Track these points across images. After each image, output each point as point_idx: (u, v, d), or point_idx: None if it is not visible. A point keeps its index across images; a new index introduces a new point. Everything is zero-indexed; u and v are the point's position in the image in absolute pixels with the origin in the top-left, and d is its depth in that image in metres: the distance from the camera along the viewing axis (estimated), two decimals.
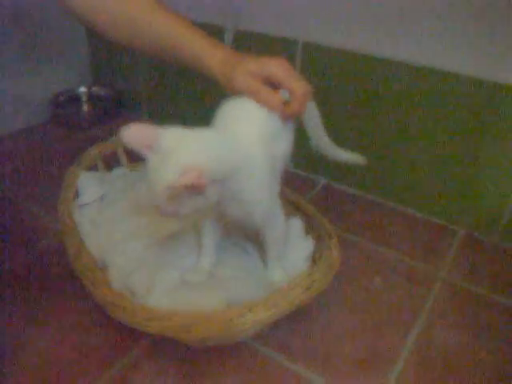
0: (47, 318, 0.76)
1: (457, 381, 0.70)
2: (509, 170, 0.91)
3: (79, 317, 0.76)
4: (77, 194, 0.87)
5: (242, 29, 1.12)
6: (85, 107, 1.46)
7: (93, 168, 0.94)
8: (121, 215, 0.85)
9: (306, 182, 1.16)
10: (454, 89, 0.91)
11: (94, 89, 1.47)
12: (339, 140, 1.10)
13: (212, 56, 0.70)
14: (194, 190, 0.53)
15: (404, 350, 0.74)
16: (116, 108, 1.44)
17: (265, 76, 0.65)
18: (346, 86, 1.03)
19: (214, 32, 1.13)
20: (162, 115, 1.38)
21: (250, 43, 1.12)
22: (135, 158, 1.02)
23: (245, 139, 0.63)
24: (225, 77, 0.68)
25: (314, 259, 0.76)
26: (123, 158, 0.98)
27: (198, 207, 0.58)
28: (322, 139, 0.82)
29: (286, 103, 0.66)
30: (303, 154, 1.17)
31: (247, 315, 0.59)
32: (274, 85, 0.66)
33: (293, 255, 0.78)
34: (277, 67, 0.65)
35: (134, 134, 0.57)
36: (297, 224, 0.83)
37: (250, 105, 0.66)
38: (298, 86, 0.64)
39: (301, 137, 1.17)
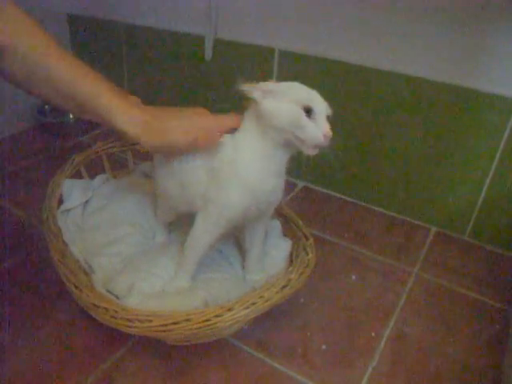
0: (33, 321, 0.78)
1: (429, 373, 0.73)
2: (477, 169, 0.95)
3: (64, 320, 0.78)
4: (61, 201, 0.89)
5: (221, 37, 1.15)
6: (70, 115, 1.47)
7: (77, 175, 0.97)
8: (105, 221, 0.88)
9: (285, 184, 1.18)
10: (425, 93, 0.95)
11: None
12: None
13: (114, 102, 0.64)
14: None
15: (379, 344, 0.77)
16: None
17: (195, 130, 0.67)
18: (321, 93, 1.06)
19: (194, 41, 1.18)
20: None
21: (228, 51, 1.15)
22: (118, 166, 1.05)
23: None
24: (136, 133, 0.64)
25: (292, 259, 0.79)
26: (106, 165, 1.01)
27: None
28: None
29: None
30: None
31: (225, 314, 0.62)
32: None
33: (272, 255, 0.81)
34: (202, 121, 0.68)
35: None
36: (275, 226, 0.87)
37: None
38: (230, 122, 0.69)
39: None
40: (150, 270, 0.77)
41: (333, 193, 1.16)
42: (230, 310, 0.62)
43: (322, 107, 0.62)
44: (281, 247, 0.82)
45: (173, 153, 0.69)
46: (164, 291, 0.74)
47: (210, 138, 0.66)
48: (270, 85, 0.65)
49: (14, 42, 0.61)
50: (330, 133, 0.62)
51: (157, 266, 0.78)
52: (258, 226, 0.75)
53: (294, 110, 0.61)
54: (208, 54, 1.17)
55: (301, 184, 1.20)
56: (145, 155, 1.05)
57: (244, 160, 0.66)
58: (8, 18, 0.62)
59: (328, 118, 0.63)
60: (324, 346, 0.76)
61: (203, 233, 0.71)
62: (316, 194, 1.17)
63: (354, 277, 0.91)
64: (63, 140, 1.35)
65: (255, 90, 0.63)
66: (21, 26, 0.63)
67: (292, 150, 0.67)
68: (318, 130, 0.62)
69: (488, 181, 0.95)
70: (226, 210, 0.67)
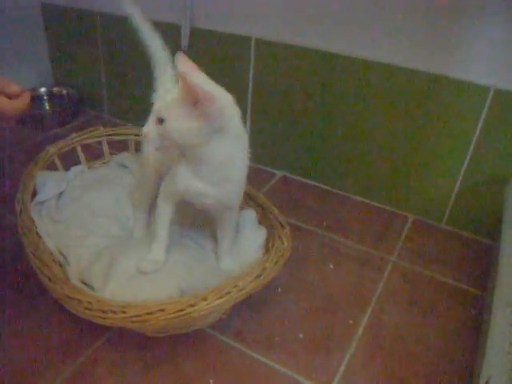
0: (7, 314, 0.77)
1: (406, 358, 0.74)
2: (453, 157, 0.96)
3: (39, 313, 0.77)
4: (35, 193, 0.88)
5: (197, 26, 1.14)
6: (46, 107, 1.45)
7: (52, 167, 0.95)
8: (80, 212, 0.87)
9: (264, 174, 1.19)
10: (400, 81, 0.95)
11: (55, 89, 1.47)
12: (293, 134, 1.14)
13: None
14: (201, 104, 0.59)
15: (357, 332, 0.78)
16: (77, 107, 1.44)
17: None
18: (298, 81, 1.06)
19: (170, 30, 1.16)
20: (123, 113, 1.39)
21: (205, 40, 1.14)
22: (94, 157, 1.03)
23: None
24: None
25: (268, 248, 0.79)
26: (81, 156, 0.99)
27: (187, 134, 0.62)
28: None
29: None
30: (261, 148, 1.20)
31: (200, 304, 0.62)
32: None
33: (247, 244, 0.81)
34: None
35: (184, 61, 0.66)
36: (251, 214, 0.86)
37: None
38: (18, 91, 0.65)
39: (259, 134, 1.20)
40: (126, 255, 0.76)
41: (311, 182, 1.16)
42: (204, 299, 0.62)
43: (154, 103, 0.66)
44: (256, 236, 0.82)
45: None
46: (139, 278, 0.73)
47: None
48: None
49: None
50: (144, 130, 0.65)
51: (132, 252, 0.77)
52: (226, 218, 0.77)
53: None
54: (184, 43, 1.15)
55: (279, 174, 1.20)
56: (121, 146, 1.04)
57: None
58: None
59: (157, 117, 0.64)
60: (301, 335, 0.77)
61: (161, 201, 0.76)
62: (295, 183, 1.17)
63: (331, 265, 0.91)
64: (39, 132, 1.33)
65: None
66: None
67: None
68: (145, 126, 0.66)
69: (464, 168, 0.95)
70: (169, 189, 0.74)
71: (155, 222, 0.77)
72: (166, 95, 0.65)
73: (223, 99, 0.63)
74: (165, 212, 0.76)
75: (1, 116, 0.63)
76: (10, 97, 0.64)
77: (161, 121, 0.63)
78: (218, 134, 0.63)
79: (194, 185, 0.68)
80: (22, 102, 0.64)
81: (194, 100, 0.59)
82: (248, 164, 0.69)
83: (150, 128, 0.64)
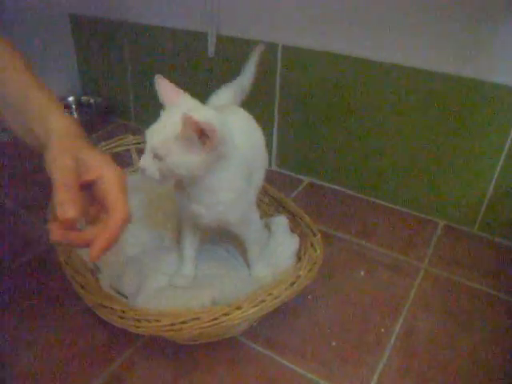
0: (42, 322, 0.78)
1: (440, 367, 0.73)
2: (486, 162, 0.94)
3: (73, 320, 0.78)
4: None
5: (224, 34, 1.14)
6: (75, 116, 1.48)
7: None
8: None
9: (290, 180, 1.19)
10: (432, 86, 0.94)
11: (84, 98, 1.50)
12: (320, 140, 1.13)
13: (59, 120, 0.59)
14: (202, 138, 0.57)
15: (389, 340, 0.76)
16: (105, 116, 1.46)
17: (86, 181, 0.54)
18: (325, 87, 1.06)
19: (196, 38, 1.17)
20: (149, 121, 1.40)
21: (231, 47, 1.15)
22: (122, 165, 1.04)
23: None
24: (55, 148, 0.56)
25: (299, 256, 0.79)
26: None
27: (190, 167, 0.60)
28: None
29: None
30: (288, 155, 1.20)
31: (234, 312, 0.62)
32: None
33: (279, 250, 0.81)
34: (110, 184, 0.54)
35: (164, 86, 0.65)
36: (283, 221, 0.86)
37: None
38: (120, 207, 0.53)
39: (286, 140, 1.20)
40: (157, 268, 0.77)
41: (339, 188, 1.16)
42: (238, 308, 0.62)
43: (147, 141, 0.62)
44: (288, 243, 0.81)
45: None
46: (171, 288, 0.73)
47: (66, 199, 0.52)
48: None
49: None
50: (140, 165, 0.62)
51: (163, 264, 0.78)
52: (241, 232, 0.76)
53: None
54: (211, 50, 1.16)
55: (306, 180, 1.19)
56: None
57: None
58: None
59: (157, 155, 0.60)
60: (334, 343, 0.76)
61: (181, 224, 0.78)
62: (322, 189, 1.16)
63: (362, 272, 0.90)
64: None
65: None
66: None
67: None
68: (141, 160, 0.63)
69: (497, 173, 0.93)
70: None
71: (181, 244, 0.78)
72: (160, 126, 0.62)
73: (221, 125, 0.61)
74: (186, 234, 0.77)
75: None
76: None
77: (159, 156, 0.60)
78: (220, 161, 0.63)
79: (190, 207, 0.68)
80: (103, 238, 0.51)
81: (197, 135, 0.57)
82: (239, 186, 0.68)
83: (147, 163, 0.61)
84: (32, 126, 0.59)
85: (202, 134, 0.57)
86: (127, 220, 0.53)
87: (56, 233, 0.51)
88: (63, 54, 1.47)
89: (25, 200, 1.08)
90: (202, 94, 1.30)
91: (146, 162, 0.61)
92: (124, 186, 0.55)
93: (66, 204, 0.50)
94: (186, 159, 0.60)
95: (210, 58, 1.18)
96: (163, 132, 0.60)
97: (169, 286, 0.73)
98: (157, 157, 0.60)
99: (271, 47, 1.08)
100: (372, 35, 0.97)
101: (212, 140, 0.58)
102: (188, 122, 0.56)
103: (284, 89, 1.12)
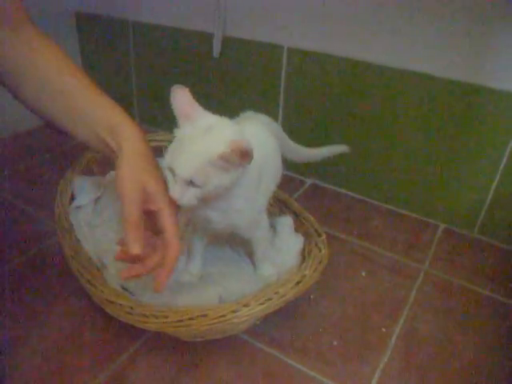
0: (47, 317, 0.78)
1: (440, 368, 0.74)
2: (486, 166, 0.95)
3: (78, 315, 0.79)
4: (73, 197, 0.90)
5: (229, 35, 1.15)
6: None
7: (89, 172, 0.97)
8: (116, 217, 0.88)
9: (294, 182, 1.20)
10: (434, 90, 0.95)
11: None
12: (323, 142, 1.14)
13: (130, 132, 0.66)
14: (243, 159, 0.56)
15: (390, 340, 0.78)
16: None
17: (147, 209, 0.62)
18: (330, 89, 1.07)
19: (202, 38, 1.18)
20: (153, 119, 1.41)
21: (237, 49, 1.15)
22: None
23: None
24: (128, 155, 0.63)
25: (304, 255, 0.80)
26: None
27: (228, 185, 0.59)
28: (301, 153, 0.88)
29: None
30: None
31: (241, 310, 0.63)
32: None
33: (284, 249, 0.82)
34: (168, 221, 0.62)
35: (180, 99, 0.60)
36: (288, 221, 0.87)
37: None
38: (175, 244, 0.62)
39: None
40: None
41: (341, 190, 1.17)
42: (246, 305, 0.63)
43: (178, 171, 0.58)
44: (293, 243, 0.82)
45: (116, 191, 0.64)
46: (178, 286, 0.74)
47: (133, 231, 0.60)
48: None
49: (28, 60, 0.68)
50: (174, 197, 0.59)
51: None
52: (249, 235, 0.76)
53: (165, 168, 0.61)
54: (216, 51, 1.17)
55: (309, 181, 1.20)
56: (158, 151, 1.05)
57: None
58: (25, 38, 0.69)
59: (191, 182, 0.58)
60: (335, 342, 0.77)
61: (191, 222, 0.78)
62: (324, 191, 1.17)
63: (363, 273, 0.91)
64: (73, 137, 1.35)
65: None
66: (36, 44, 0.70)
67: None
68: (172, 191, 0.60)
69: (497, 177, 0.95)
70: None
71: (189, 241, 0.78)
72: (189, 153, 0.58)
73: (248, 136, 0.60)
74: (194, 238, 0.78)
75: None
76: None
77: (196, 185, 0.58)
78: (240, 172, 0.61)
79: (204, 212, 0.67)
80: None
81: (239, 157, 0.56)
82: (251, 194, 0.67)
83: (181, 192, 0.59)
84: (103, 137, 0.67)
85: (242, 155, 0.56)
86: (180, 254, 0.63)
87: (125, 272, 0.64)
88: (68, 51, 1.46)
89: (31, 196, 1.09)
90: (206, 94, 1.32)
91: (179, 191, 0.59)
92: (177, 220, 0.64)
93: (135, 243, 0.60)
94: (225, 180, 0.58)
95: (215, 59, 1.19)
96: (196, 160, 0.57)
97: (176, 284, 0.74)
98: (193, 185, 0.58)
99: (277, 49, 1.09)
100: (376, 39, 0.98)
101: (250, 158, 0.57)
102: (235, 147, 0.55)
103: (288, 91, 1.13)
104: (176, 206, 0.62)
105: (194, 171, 0.57)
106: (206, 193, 0.59)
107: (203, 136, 0.57)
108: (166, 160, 0.60)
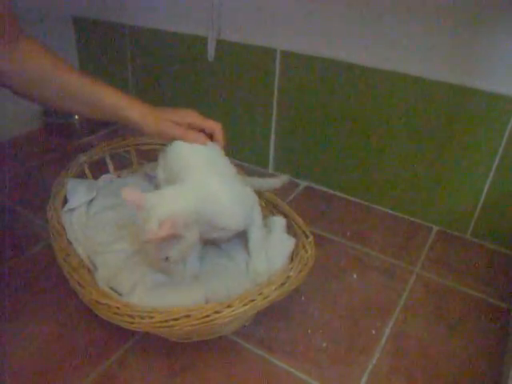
0: (37, 319, 0.79)
1: (430, 370, 0.74)
2: (479, 168, 0.95)
3: (69, 317, 0.79)
4: (66, 200, 0.91)
5: (224, 38, 1.16)
6: (76, 116, 1.49)
7: (82, 175, 0.98)
8: (109, 220, 0.89)
9: (287, 184, 1.19)
10: (424, 92, 0.95)
11: None
12: (317, 145, 1.15)
13: (131, 108, 0.80)
14: (174, 237, 0.64)
15: (380, 342, 0.78)
16: None
17: (185, 124, 0.80)
18: (323, 92, 1.07)
19: (197, 42, 1.19)
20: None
21: (231, 52, 1.16)
22: (121, 165, 1.06)
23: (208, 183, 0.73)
24: (149, 127, 0.80)
25: (292, 257, 0.80)
26: (110, 165, 1.02)
27: (184, 249, 0.68)
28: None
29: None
30: (285, 158, 1.22)
31: (225, 310, 0.63)
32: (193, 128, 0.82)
33: (277, 251, 0.81)
34: (192, 117, 0.82)
35: (129, 196, 0.68)
36: (281, 221, 0.86)
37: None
38: (213, 124, 0.82)
39: (284, 145, 1.22)
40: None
41: (335, 192, 1.17)
42: (229, 306, 0.63)
43: None
44: (286, 244, 0.82)
45: (166, 139, 0.82)
46: (166, 286, 0.74)
47: (194, 135, 0.80)
48: None
49: (24, 67, 0.77)
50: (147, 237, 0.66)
51: None
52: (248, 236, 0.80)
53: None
54: (211, 54, 1.18)
55: (303, 184, 1.21)
56: (149, 155, 1.07)
57: None
58: (22, 48, 0.77)
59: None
60: (325, 344, 0.77)
61: None
62: (318, 193, 1.18)
63: (355, 275, 0.91)
64: (69, 141, 1.37)
65: None
66: (32, 52, 0.79)
67: None
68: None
69: (490, 179, 0.95)
70: None
71: None
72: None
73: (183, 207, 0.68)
74: None
75: None
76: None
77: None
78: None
79: (211, 233, 0.74)
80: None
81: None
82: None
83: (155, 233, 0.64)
84: (111, 118, 0.84)
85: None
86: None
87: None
88: (65, 55, 1.47)
89: (26, 199, 1.10)
90: (200, 97, 1.32)
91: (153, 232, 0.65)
92: (200, 117, 0.83)
93: (194, 136, 0.80)
94: (188, 240, 0.67)
95: (210, 62, 1.20)
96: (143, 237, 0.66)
97: (164, 285, 0.74)
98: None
99: (270, 52, 1.10)
100: (367, 42, 0.98)
101: (179, 235, 0.65)
102: (155, 239, 0.64)
103: (282, 94, 1.13)
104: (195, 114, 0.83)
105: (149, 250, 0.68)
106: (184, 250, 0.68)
107: (144, 220, 0.66)
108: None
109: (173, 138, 0.80)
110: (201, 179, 0.72)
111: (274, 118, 1.17)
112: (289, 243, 0.83)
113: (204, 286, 0.73)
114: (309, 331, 0.79)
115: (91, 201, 0.93)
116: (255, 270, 0.78)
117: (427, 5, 0.90)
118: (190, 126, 0.81)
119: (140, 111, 0.80)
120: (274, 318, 0.80)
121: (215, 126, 0.81)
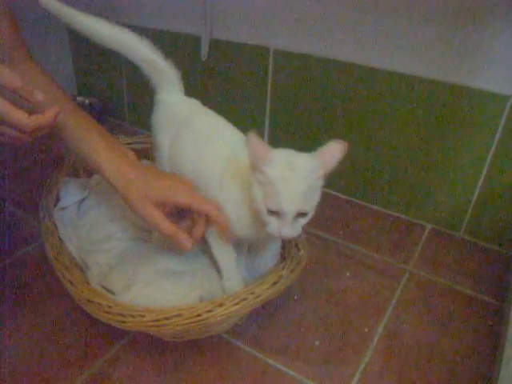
0: (30, 318, 0.79)
1: (422, 368, 0.74)
2: (471, 167, 0.95)
3: (60, 317, 0.79)
4: (58, 199, 0.90)
5: (217, 37, 1.16)
6: None
7: (75, 174, 0.98)
8: (100, 219, 0.89)
9: None
10: (416, 90, 0.95)
11: (79, 99, 1.51)
12: (311, 144, 1.14)
13: (113, 172, 0.70)
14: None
15: (372, 340, 0.78)
16: (100, 116, 1.47)
17: (170, 205, 0.68)
18: (315, 91, 1.07)
19: (190, 41, 1.19)
20: (143, 122, 1.42)
21: (224, 51, 1.16)
22: None
23: None
24: (123, 189, 0.68)
25: (284, 256, 0.80)
26: None
27: (318, 201, 0.66)
28: None
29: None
30: None
31: (216, 310, 0.63)
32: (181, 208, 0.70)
33: (264, 251, 0.81)
34: (182, 195, 0.67)
35: (254, 144, 0.61)
36: None
37: None
38: (208, 209, 0.67)
39: (277, 144, 1.21)
40: (145, 265, 0.78)
41: (328, 191, 1.17)
42: (220, 305, 0.63)
43: (287, 208, 0.61)
44: (274, 244, 0.82)
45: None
46: (159, 286, 0.74)
47: (181, 236, 0.67)
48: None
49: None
50: (288, 236, 0.63)
51: (152, 262, 0.79)
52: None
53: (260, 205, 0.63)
54: (204, 54, 1.18)
55: None
56: (142, 154, 1.06)
57: None
58: (23, 72, 0.72)
59: (298, 214, 0.62)
60: (317, 342, 0.77)
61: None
62: None
63: (348, 274, 0.91)
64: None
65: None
66: (34, 79, 0.74)
67: None
68: (275, 228, 0.62)
69: (482, 178, 0.95)
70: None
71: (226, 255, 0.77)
72: (277, 191, 0.60)
73: None
74: (231, 249, 0.76)
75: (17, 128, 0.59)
76: (33, 107, 0.59)
77: (304, 213, 0.63)
78: None
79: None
80: (42, 119, 0.59)
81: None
82: None
83: (292, 230, 0.62)
84: (88, 164, 0.73)
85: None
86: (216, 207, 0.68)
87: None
88: (59, 54, 1.48)
89: (19, 198, 1.09)
90: (194, 96, 1.32)
91: (291, 229, 0.62)
92: (192, 195, 0.68)
93: (185, 240, 0.66)
94: (318, 195, 0.65)
95: (203, 61, 1.20)
96: (299, 191, 0.61)
97: (157, 284, 0.74)
98: (301, 215, 0.63)
99: (263, 51, 1.10)
100: (359, 41, 0.98)
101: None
102: (323, 163, 0.63)
103: (275, 92, 1.13)
104: (190, 186, 0.69)
105: (301, 202, 0.61)
106: (310, 216, 0.64)
107: (290, 172, 0.61)
108: (266, 206, 0.61)
109: (155, 229, 0.69)
110: None
111: (267, 116, 1.17)
112: (277, 241, 0.83)
113: (199, 287, 0.73)
114: (301, 330, 0.79)
115: (83, 200, 0.93)
116: (265, 266, 0.79)
117: (421, 4, 0.90)
118: (176, 206, 0.69)
119: (124, 177, 0.68)
120: (266, 316, 0.80)
121: (212, 211, 0.67)
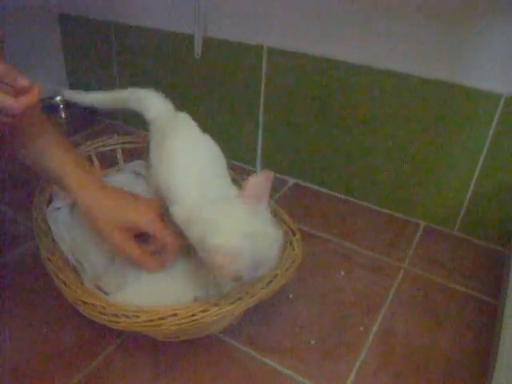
0: (24, 319, 0.78)
1: (417, 367, 0.74)
2: (465, 164, 0.96)
3: (55, 316, 0.78)
4: (51, 199, 0.90)
5: (210, 36, 1.15)
6: (62, 115, 1.48)
7: None
8: None
9: (276, 181, 1.20)
10: (410, 89, 0.96)
11: None
12: (305, 142, 1.15)
13: (76, 182, 0.72)
14: None
15: (368, 339, 0.78)
16: (92, 115, 1.47)
17: (135, 231, 0.71)
18: (310, 89, 1.07)
19: (183, 39, 1.18)
20: (136, 120, 1.41)
21: (217, 49, 1.16)
22: (107, 164, 1.05)
23: None
24: (89, 214, 0.71)
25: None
26: (96, 164, 1.01)
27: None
28: None
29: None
30: (273, 156, 1.22)
31: (211, 309, 0.62)
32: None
33: None
34: (147, 224, 0.71)
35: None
36: None
37: None
38: (170, 240, 0.72)
39: (271, 142, 1.21)
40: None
41: (323, 189, 1.17)
42: (215, 305, 0.63)
43: None
44: None
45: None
46: (154, 286, 0.74)
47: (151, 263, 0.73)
48: None
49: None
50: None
51: None
52: None
53: None
54: (197, 52, 1.17)
55: (291, 181, 1.21)
56: (135, 153, 1.06)
57: None
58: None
59: None
60: (313, 341, 0.77)
61: None
62: (307, 190, 1.18)
63: (342, 272, 0.91)
64: None
65: None
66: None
67: None
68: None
69: (476, 175, 0.95)
70: None
71: None
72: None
73: None
74: None
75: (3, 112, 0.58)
76: (17, 91, 0.59)
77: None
78: None
79: None
80: (28, 99, 0.59)
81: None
82: None
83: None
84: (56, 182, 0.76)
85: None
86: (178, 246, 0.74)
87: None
88: (51, 53, 1.47)
89: (11, 199, 1.09)
90: (188, 94, 1.31)
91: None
92: (156, 224, 0.71)
93: (150, 265, 0.73)
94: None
95: (197, 60, 1.19)
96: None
97: (151, 284, 0.74)
98: None
99: (257, 49, 1.09)
100: (355, 40, 0.98)
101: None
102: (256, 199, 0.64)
103: (269, 90, 1.13)
104: (158, 214, 0.72)
105: None
106: None
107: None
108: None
109: (122, 255, 0.73)
110: None
111: (261, 115, 1.16)
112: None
113: (194, 287, 0.72)
114: (296, 329, 0.79)
115: None
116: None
117: (416, 2, 0.90)
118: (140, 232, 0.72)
119: (95, 199, 0.71)
120: (261, 315, 0.80)
121: (171, 246, 0.73)
